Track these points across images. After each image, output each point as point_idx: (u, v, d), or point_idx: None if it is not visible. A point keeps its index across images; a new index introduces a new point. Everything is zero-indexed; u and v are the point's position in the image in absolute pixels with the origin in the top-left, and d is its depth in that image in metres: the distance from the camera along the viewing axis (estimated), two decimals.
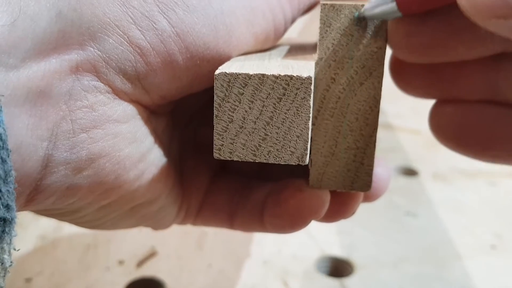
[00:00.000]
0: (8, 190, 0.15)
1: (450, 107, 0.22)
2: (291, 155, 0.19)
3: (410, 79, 0.22)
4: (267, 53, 0.23)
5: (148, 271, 0.35)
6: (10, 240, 0.16)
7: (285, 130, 0.19)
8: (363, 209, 0.42)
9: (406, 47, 0.20)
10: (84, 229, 0.40)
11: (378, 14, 0.19)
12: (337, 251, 0.37)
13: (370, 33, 0.20)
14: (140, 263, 0.36)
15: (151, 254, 0.37)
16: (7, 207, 0.16)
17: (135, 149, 0.20)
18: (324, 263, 0.37)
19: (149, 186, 0.22)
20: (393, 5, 0.19)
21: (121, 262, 0.36)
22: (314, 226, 0.40)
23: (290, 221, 0.23)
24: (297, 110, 0.18)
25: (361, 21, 0.20)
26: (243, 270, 0.35)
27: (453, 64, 0.21)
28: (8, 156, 0.15)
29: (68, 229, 0.39)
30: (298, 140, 0.19)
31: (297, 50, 0.25)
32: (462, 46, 0.20)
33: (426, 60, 0.21)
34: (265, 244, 0.38)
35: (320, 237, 0.39)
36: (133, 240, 0.38)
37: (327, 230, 0.40)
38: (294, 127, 0.19)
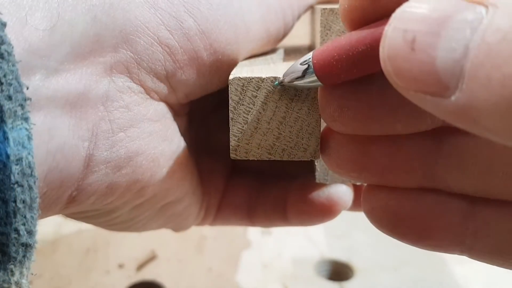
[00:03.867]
0: (32, 216, 0.16)
1: (383, 193, 0.20)
2: (304, 152, 0.20)
3: (342, 162, 0.20)
4: (268, 56, 0.24)
5: (148, 274, 0.35)
6: (29, 265, 0.16)
7: (298, 128, 0.19)
8: (363, 213, 0.42)
9: (339, 120, 0.18)
10: (84, 233, 0.40)
11: (298, 84, 0.18)
12: (337, 255, 0.37)
13: None
14: (140, 267, 0.36)
15: (151, 258, 0.37)
16: (30, 232, 0.16)
17: (167, 146, 0.21)
18: (324, 266, 0.37)
19: (178, 183, 0.22)
20: (313, 77, 0.17)
21: (121, 266, 0.36)
22: (314, 229, 0.40)
23: (319, 216, 0.25)
24: (309, 109, 0.19)
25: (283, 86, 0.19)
26: (243, 274, 0.35)
27: (389, 150, 0.19)
28: (35, 183, 0.15)
29: (68, 232, 0.39)
30: (310, 138, 0.19)
31: (295, 52, 0.25)
32: (399, 123, 0.18)
33: (361, 133, 0.19)
34: (265, 248, 0.38)
35: (320, 241, 0.39)
36: (133, 244, 0.38)
37: (326, 234, 0.40)
38: (306, 125, 0.19)
